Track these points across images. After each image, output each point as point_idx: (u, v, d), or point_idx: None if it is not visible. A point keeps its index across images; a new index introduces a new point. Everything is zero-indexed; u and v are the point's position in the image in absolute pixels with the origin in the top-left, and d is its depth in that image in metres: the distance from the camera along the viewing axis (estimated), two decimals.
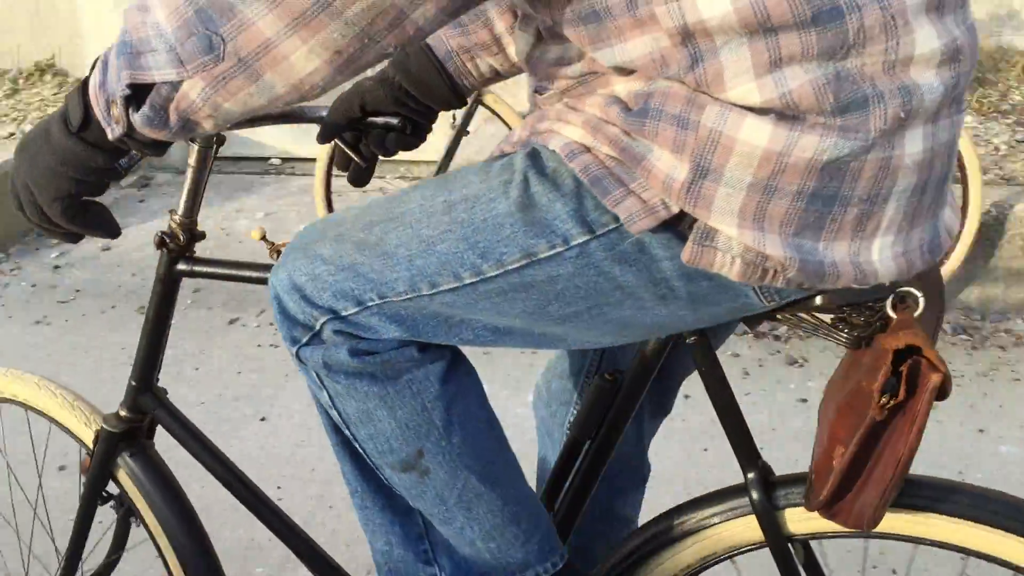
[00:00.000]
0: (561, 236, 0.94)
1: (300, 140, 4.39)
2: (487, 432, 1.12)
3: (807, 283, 0.90)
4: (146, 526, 1.41)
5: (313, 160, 3.65)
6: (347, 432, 1.11)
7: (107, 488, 1.42)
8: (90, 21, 4.57)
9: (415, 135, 1.25)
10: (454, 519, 1.11)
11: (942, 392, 0.95)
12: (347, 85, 1.21)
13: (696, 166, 0.86)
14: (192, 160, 1.25)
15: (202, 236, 1.29)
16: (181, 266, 1.29)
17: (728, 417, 1.13)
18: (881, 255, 0.90)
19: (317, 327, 1.05)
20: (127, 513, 1.45)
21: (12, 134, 4.42)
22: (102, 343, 3.10)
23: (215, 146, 1.25)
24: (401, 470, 1.10)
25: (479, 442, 1.11)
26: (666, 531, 1.15)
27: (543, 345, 1.05)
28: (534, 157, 0.97)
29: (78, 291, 3.49)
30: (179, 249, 1.28)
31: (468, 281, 0.98)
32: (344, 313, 1.03)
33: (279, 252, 1.27)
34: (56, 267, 3.68)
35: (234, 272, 1.27)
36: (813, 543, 1.13)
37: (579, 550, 1.38)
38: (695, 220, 0.89)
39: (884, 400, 0.95)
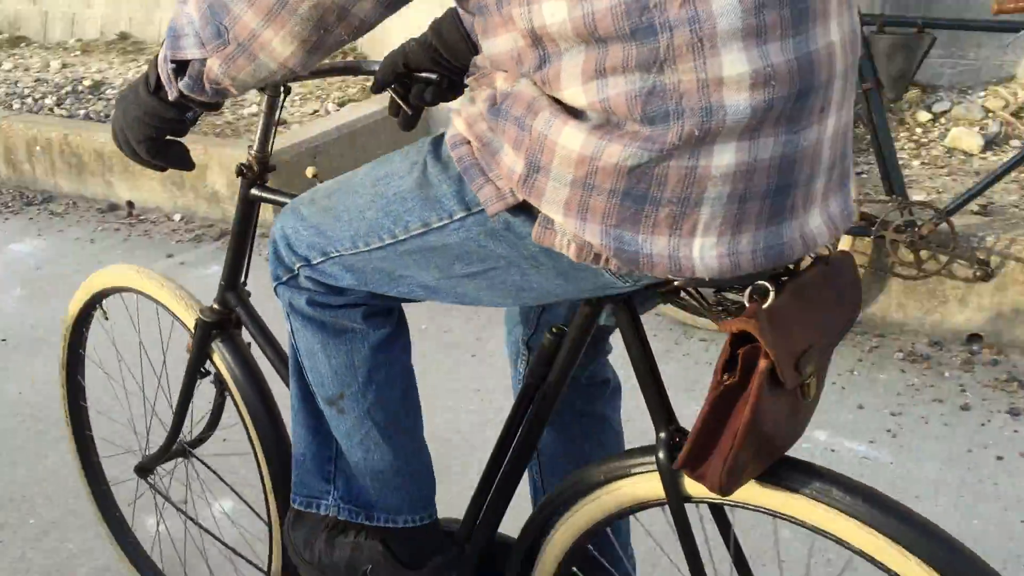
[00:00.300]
0: (447, 211, 1.13)
1: None
2: (400, 401, 1.36)
3: (627, 269, 1.01)
4: (233, 399, 1.73)
5: None
6: (299, 359, 1.38)
7: (205, 367, 1.75)
8: None
9: (451, 90, 1.45)
10: (354, 454, 1.37)
11: (775, 379, 1.03)
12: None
13: (529, 162, 1.00)
14: (264, 106, 1.52)
15: (272, 168, 1.56)
16: (255, 192, 1.57)
17: (646, 378, 1.24)
18: (702, 254, 0.99)
19: (296, 270, 1.31)
20: (221, 388, 1.78)
21: (316, 111, 4.70)
22: None
23: (283, 95, 1.52)
24: (326, 403, 1.36)
25: (389, 406, 1.35)
26: (581, 481, 1.28)
27: (466, 302, 1.23)
28: (436, 143, 1.16)
29: None
30: (253, 177, 1.56)
31: (388, 242, 1.19)
32: (314, 262, 1.28)
33: None
34: None
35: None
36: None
37: (570, 456, 1.56)
38: None
39: (724, 378, 1.04)
